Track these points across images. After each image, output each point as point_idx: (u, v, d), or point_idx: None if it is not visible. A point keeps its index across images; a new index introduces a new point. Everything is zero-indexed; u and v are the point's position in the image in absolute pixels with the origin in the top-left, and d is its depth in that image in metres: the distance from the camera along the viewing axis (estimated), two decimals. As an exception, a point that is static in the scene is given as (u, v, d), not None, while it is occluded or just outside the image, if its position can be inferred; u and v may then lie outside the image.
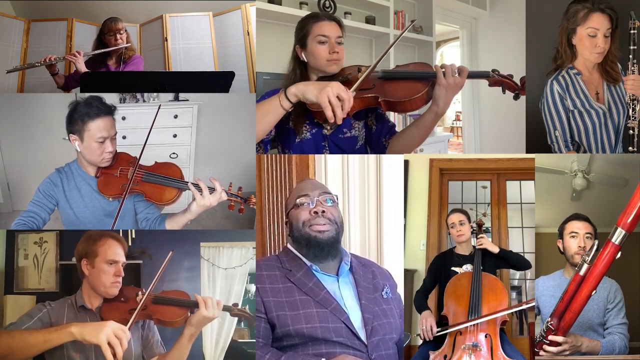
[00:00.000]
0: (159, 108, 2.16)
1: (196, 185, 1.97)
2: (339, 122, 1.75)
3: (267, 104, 1.85)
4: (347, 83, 1.96)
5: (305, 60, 2.02)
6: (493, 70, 1.97)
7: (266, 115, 1.84)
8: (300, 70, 2.05)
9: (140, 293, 1.86)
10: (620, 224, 1.66)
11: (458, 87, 1.85)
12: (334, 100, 1.71)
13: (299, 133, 2.02)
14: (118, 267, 1.86)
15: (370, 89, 1.92)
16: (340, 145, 2.07)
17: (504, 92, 1.99)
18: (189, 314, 1.83)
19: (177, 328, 1.87)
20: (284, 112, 1.84)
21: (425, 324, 2.15)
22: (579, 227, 2.16)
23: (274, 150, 2.13)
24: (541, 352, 1.88)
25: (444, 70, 1.85)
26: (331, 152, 2.06)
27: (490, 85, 2.00)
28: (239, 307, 1.95)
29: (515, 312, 3.09)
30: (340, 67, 2.02)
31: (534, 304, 2.08)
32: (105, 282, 1.84)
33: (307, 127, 2.03)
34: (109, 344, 1.57)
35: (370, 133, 2.12)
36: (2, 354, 1.59)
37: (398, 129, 2.14)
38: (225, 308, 1.90)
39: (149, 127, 2.07)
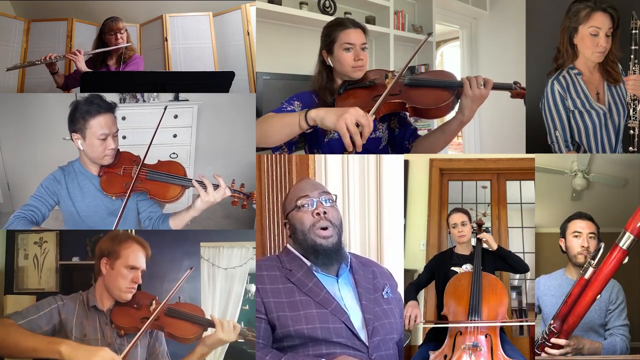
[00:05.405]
0: (165, 109, 2.17)
1: (200, 182, 1.97)
2: (358, 149, 1.67)
3: (288, 118, 1.84)
4: (374, 88, 2.02)
5: (332, 65, 2.09)
6: (515, 83, 2.04)
7: (284, 127, 1.84)
8: (327, 73, 2.11)
9: (154, 302, 1.80)
10: (629, 229, 1.60)
11: (483, 98, 1.91)
12: (352, 128, 1.65)
13: (327, 133, 2.06)
14: (137, 274, 1.81)
15: (397, 94, 1.97)
16: (366, 145, 2.10)
17: (525, 103, 2.07)
18: (203, 332, 1.78)
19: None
20: (300, 131, 1.84)
21: (411, 312, 2.15)
22: (582, 227, 2.14)
23: (301, 150, 2.18)
24: (543, 354, 1.88)
25: (470, 81, 1.90)
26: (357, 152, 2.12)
27: (512, 97, 2.06)
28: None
29: (516, 312, 3.11)
30: (364, 72, 2.08)
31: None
32: (121, 286, 1.78)
33: None
34: None
35: (393, 135, 2.18)
36: None
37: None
38: (242, 332, 1.83)
39: (149, 127, 2.07)
